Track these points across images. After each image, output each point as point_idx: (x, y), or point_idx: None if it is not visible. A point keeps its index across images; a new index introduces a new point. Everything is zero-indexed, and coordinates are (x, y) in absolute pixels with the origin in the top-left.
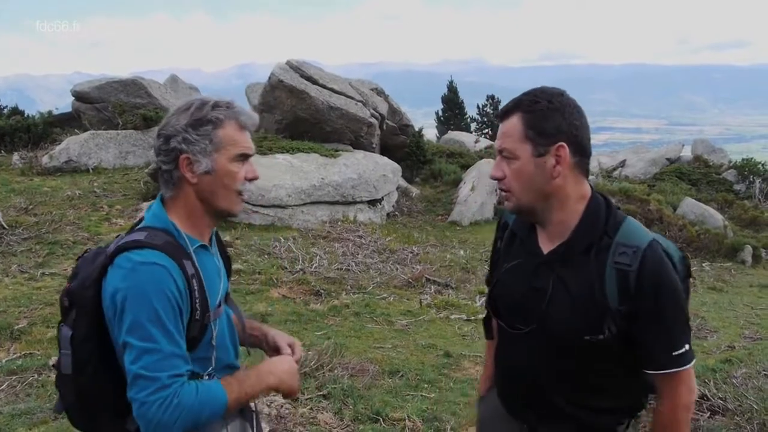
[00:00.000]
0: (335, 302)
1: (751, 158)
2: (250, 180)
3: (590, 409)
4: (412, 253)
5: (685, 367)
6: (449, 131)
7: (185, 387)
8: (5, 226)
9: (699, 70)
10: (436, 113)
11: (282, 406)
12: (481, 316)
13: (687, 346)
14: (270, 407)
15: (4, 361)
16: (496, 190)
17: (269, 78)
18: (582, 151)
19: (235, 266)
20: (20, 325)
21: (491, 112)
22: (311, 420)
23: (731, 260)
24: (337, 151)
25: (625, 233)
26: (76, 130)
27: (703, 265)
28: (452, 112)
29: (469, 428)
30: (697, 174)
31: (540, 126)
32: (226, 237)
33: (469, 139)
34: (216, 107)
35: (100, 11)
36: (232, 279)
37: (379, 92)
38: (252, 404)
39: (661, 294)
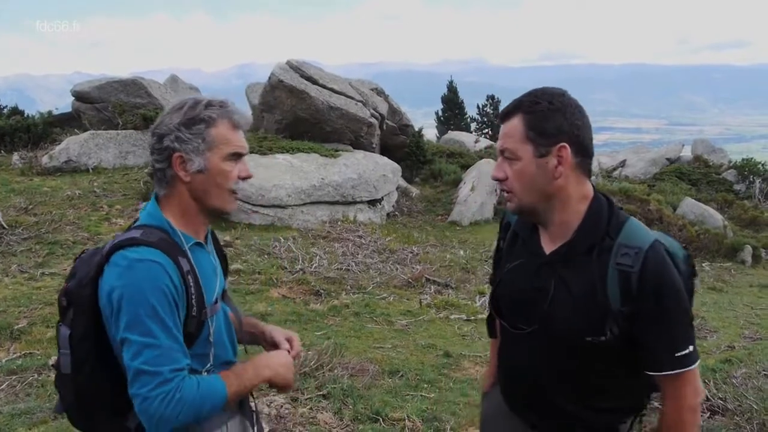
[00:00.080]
0: (335, 302)
1: (751, 158)
2: (244, 179)
3: (592, 409)
4: (412, 253)
5: (688, 369)
6: (449, 131)
7: (186, 381)
8: (5, 226)
9: (699, 70)
10: (436, 113)
11: (282, 406)
12: (481, 316)
13: (691, 348)
14: (270, 407)
15: (4, 360)
16: (495, 190)
17: (269, 78)
18: (584, 151)
19: (235, 266)
20: (20, 325)
21: (491, 112)
22: (311, 420)
23: (731, 260)
24: (337, 151)
25: (627, 234)
26: (76, 130)
27: (703, 265)
28: (452, 112)
29: (468, 428)
30: (697, 174)
31: (541, 127)
32: (226, 237)
33: (469, 139)
34: (209, 106)
35: (100, 11)
36: (231, 279)
37: (379, 92)
38: (252, 404)
39: (663, 295)
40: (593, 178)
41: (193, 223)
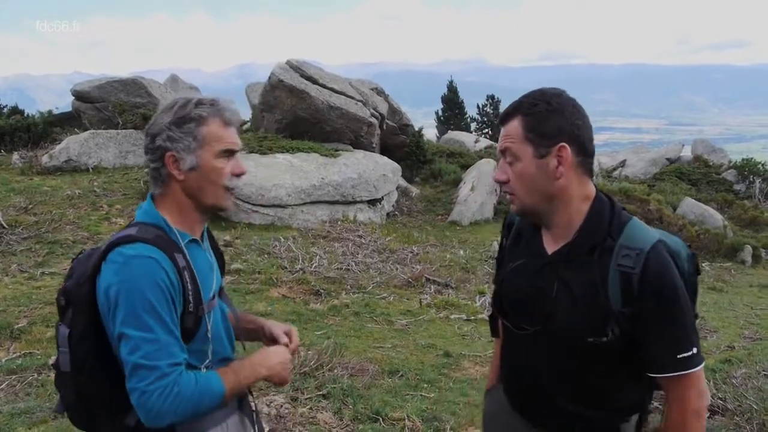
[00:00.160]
0: (335, 302)
1: (751, 158)
2: (237, 175)
3: (593, 409)
4: (411, 252)
5: (691, 371)
6: (449, 131)
7: (184, 376)
8: (5, 225)
9: (699, 70)
10: (436, 113)
11: (282, 406)
12: (481, 316)
13: (694, 350)
14: (270, 407)
15: (3, 360)
16: (495, 190)
17: (269, 78)
18: (584, 150)
19: (235, 266)
20: (20, 325)
21: (491, 112)
22: (311, 420)
23: (731, 260)
24: (337, 150)
25: (629, 235)
26: (76, 130)
27: (703, 265)
28: (452, 112)
29: (468, 428)
30: (697, 174)
31: (540, 128)
32: (226, 236)
33: (469, 139)
34: (199, 105)
35: (100, 11)
36: (231, 278)
37: (379, 92)
38: (252, 404)
39: (664, 297)
40: (593, 178)
41: (189, 221)
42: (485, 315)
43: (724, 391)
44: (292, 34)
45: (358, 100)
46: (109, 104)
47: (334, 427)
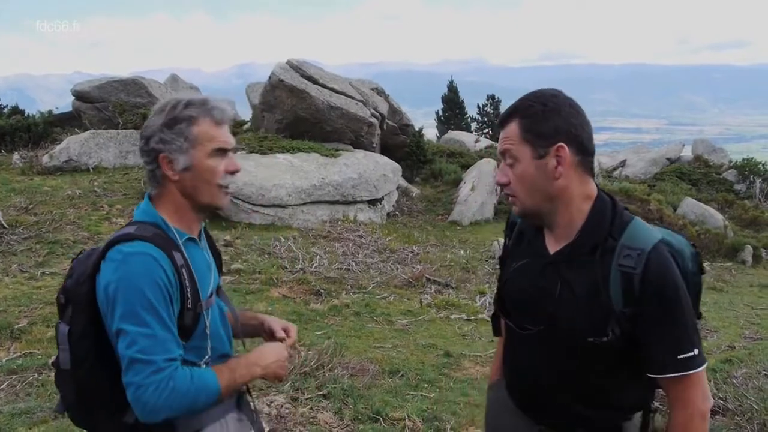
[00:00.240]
0: (335, 302)
1: (752, 158)
2: (232, 173)
3: (594, 408)
4: (412, 252)
5: (692, 371)
6: (449, 131)
7: (179, 371)
8: (5, 225)
9: (699, 70)
10: (437, 113)
11: (282, 406)
12: (482, 315)
13: (695, 350)
14: (270, 407)
15: (4, 360)
16: (496, 190)
17: (270, 77)
18: (584, 149)
19: (235, 266)
20: (20, 325)
21: (491, 112)
22: (311, 419)
23: (731, 260)
24: (337, 150)
25: (631, 235)
26: (76, 130)
27: (704, 264)
28: (452, 112)
29: (469, 428)
30: (697, 174)
31: (537, 129)
32: (226, 236)
33: (469, 139)
34: (188, 106)
35: (100, 11)
36: (232, 278)
37: (380, 92)
38: (251, 403)
39: (665, 297)
40: (594, 178)
41: (187, 220)
42: (486, 315)
43: (724, 391)
44: (292, 34)
45: (359, 100)
46: (109, 104)
47: (334, 427)
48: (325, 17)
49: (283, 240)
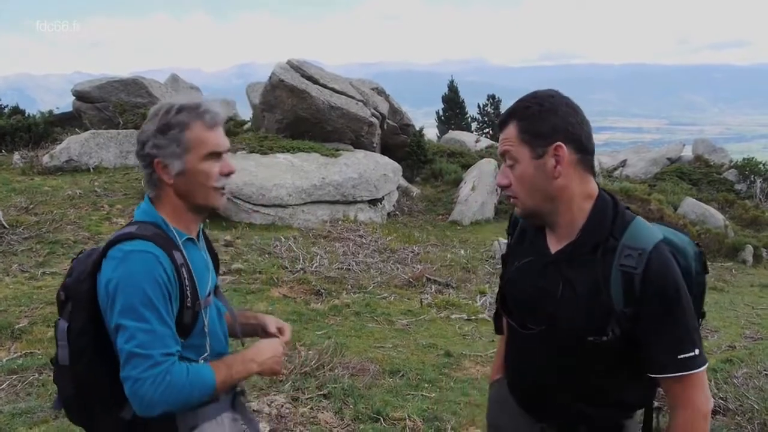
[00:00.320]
0: (336, 302)
1: (752, 158)
2: (227, 175)
3: (595, 406)
4: (412, 252)
5: (693, 372)
6: (450, 131)
7: (176, 366)
8: (6, 225)
9: (699, 70)
10: (437, 113)
11: (282, 406)
12: (482, 315)
13: (696, 351)
14: (270, 407)
15: (4, 360)
16: (496, 190)
17: (270, 77)
18: (582, 148)
19: (235, 265)
20: (21, 325)
21: (492, 111)
22: (312, 419)
23: (732, 260)
24: (337, 150)
25: (632, 235)
26: (76, 130)
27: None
28: (453, 112)
29: (469, 428)
30: (697, 174)
31: (535, 129)
32: (227, 236)
33: (469, 139)
34: (181, 110)
35: (99, 11)
36: (232, 278)
37: (380, 92)
38: (247, 405)
39: (666, 297)
40: (595, 177)
41: (185, 221)
42: (486, 315)
43: (725, 391)
44: (292, 34)
45: (359, 100)
46: (109, 104)
47: (335, 427)
48: (325, 17)
49: (283, 240)
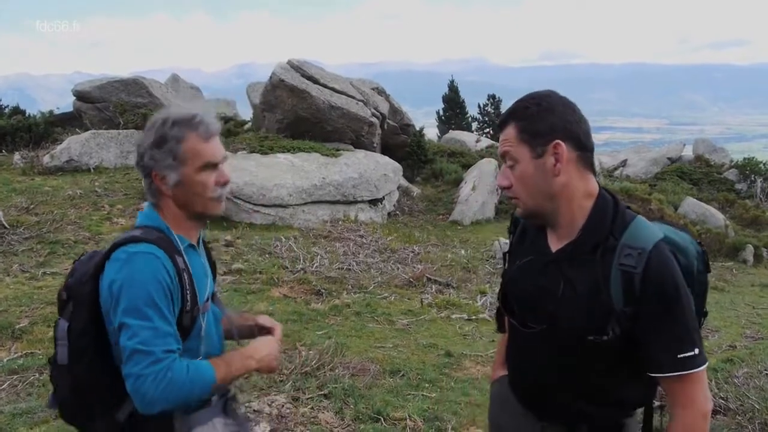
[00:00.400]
0: (336, 302)
1: (753, 157)
2: (223, 185)
3: (595, 405)
4: (413, 252)
5: (692, 371)
6: (450, 131)
7: (177, 363)
8: (6, 225)
9: (699, 70)
10: (437, 113)
11: (283, 406)
12: (483, 315)
13: (696, 350)
14: (271, 407)
15: (5, 360)
16: (497, 190)
17: (270, 77)
18: (581, 145)
19: (235, 265)
20: (21, 325)
21: (492, 111)
22: (312, 419)
23: (733, 260)
24: (338, 150)
25: (632, 234)
26: (77, 130)
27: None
28: (453, 112)
29: (470, 428)
30: (698, 173)
31: (533, 128)
32: (227, 236)
33: (470, 139)
34: (175, 124)
35: (99, 11)
36: (233, 278)
37: (380, 92)
38: (238, 410)
39: (665, 296)
40: (596, 176)
41: (185, 228)
42: (487, 315)
43: (726, 391)
44: (292, 33)
45: (359, 100)
46: (110, 104)
47: (335, 427)
48: (325, 17)
49: (284, 240)
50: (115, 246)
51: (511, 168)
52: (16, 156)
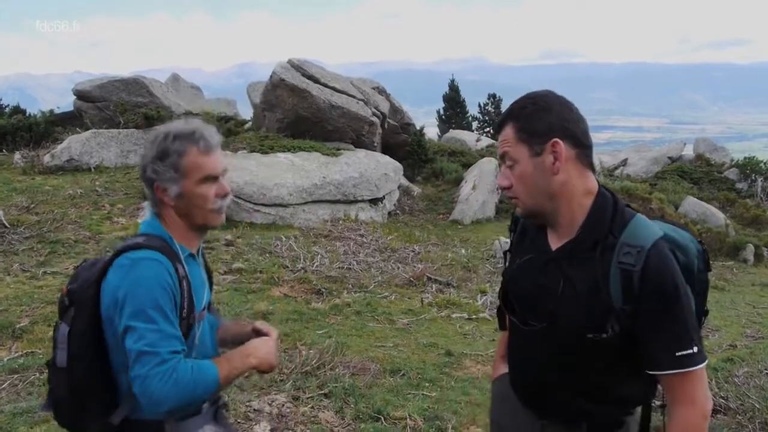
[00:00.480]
0: (336, 301)
1: (753, 157)
2: (222, 196)
3: (595, 403)
4: (413, 251)
5: (691, 369)
6: (450, 130)
7: (182, 363)
8: (7, 224)
9: (700, 69)
10: (438, 112)
11: (283, 405)
12: (483, 314)
13: (694, 348)
14: (271, 406)
15: (5, 359)
16: (497, 189)
17: (271, 77)
18: (579, 143)
19: (236, 265)
20: (22, 324)
21: (493, 110)
22: (312, 419)
23: (733, 259)
24: (338, 149)
25: (631, 232)
26: (77, 129)
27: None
28: (453, 111)
29: (470, 427)
30: (698, 173)
31: (531, 127)
32: (227, 236)
33: (470, 138)
34: (177, 138)
35: (99, 11)
36: (233, 277)
37: (381, 91)
38: (228, 416)
39: (664, 294)
40: (596, 174)
41: (186, 238)
42: (487, 314)
43: (726, 390)
44: (293, 33)
45: (360, 99)
46: (110, 104)
47: (335, 426)
48: (326, 16)
49: (284, 239)
50: (119, 252)
51: (510, 168)
52: (17, 155)
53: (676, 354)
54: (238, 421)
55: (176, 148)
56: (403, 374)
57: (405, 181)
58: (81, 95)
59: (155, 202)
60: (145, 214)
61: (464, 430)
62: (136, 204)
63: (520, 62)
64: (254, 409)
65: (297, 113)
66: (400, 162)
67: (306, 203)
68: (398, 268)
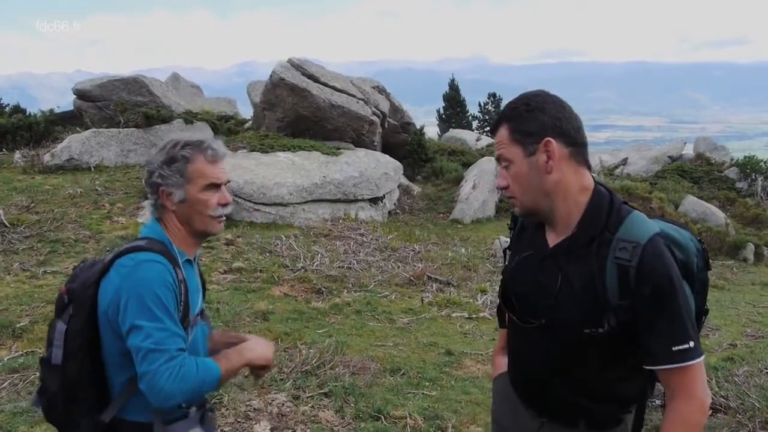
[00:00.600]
0: (337, 300)
1: (753, 156)
2: (223, 205)
3: (594, 401)
4: (413, 251)
5: (687, 363)
6: (451, 129)
7: (187, 360)
8: (7, 224)
9: (700, 68)
10: (438, 111)
11: (283, 404)
12: (483, 314)
13: (691, 343)
14: (271, 405)
15: (5, 359)
16: (497, 189)
17: (271, 76)
18: (573, 141)
19: (236, 264)
20: (22, 323)
21: (493, 110)
22: (312, 418)
23: (733, 258)
24: (338, 149)
25: (627, 229)
26: (77, 128)
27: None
28: (454, 110)
29: (470, 426)
30: (699, 172)
31: (524, 128)
32: (227, 235)
33: (470, 137)
34: (185, 146)
35: (99, 9)
36: (233, 277)
37: (381, 90)
38: (214, 420)
39: (660, 289)
40: (594, 176)
41: (186, 244)
42: (487, 313)
43: (726, 389)
44: (293, 32)
45: (360, 99)
46: (110, 103)
47: (335, 426)
48: (326, 15)
49: (284, 238)
50: (120, 254)
51: (506, 168)
52: (17, 155)
53: (673, 349)
54: (239, 420)
55: (184, 154)
56: (403, 373)
57: (405, 181)
58: (81, 94)
59: (158, 207)
60: (146, 215)
61: (464, 429)
62: (136, 203)
63: (521, 61)
64: (254, 409)
65: (297, 112)
66: (400, 161)
67: (306, 202)
68: (398, 267)
